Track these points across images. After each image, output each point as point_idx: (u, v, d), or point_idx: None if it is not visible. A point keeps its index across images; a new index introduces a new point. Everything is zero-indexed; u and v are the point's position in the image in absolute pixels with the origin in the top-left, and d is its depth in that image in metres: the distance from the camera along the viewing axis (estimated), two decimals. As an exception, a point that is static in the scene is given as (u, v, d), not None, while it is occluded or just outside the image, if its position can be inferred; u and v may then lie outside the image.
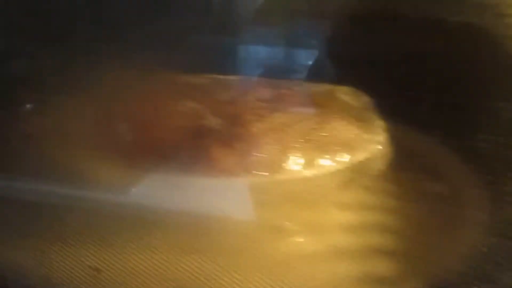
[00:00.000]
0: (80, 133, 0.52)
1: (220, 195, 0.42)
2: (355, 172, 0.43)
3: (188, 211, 0.42)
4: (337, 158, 0.43)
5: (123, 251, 0.44)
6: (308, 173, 0.42)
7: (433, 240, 0.40)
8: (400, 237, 0.41)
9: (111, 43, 0.51)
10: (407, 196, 0.41)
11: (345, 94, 0.49)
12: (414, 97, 0.42)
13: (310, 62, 0.54)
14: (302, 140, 0.43)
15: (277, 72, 0.54)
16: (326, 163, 0.42)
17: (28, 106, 0.54)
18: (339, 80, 0.51)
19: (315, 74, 0.53)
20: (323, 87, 0.51)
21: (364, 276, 0.40)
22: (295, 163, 0.42)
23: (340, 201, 0.42)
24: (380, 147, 0.44)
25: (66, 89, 0.52)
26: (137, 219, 0.44)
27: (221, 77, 0.53)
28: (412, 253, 0.40)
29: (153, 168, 0.44)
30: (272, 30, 0.54)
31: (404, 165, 0.44)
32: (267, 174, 0.42)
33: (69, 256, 0.46)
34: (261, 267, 0.41)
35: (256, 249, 0.42)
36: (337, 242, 0.42)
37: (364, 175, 0.43)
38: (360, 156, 0.43)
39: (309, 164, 0.42)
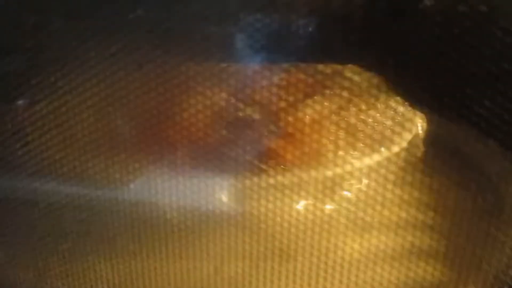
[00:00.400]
0: (85, 129, 0.50)
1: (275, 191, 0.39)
2: (395, 164, 0.40)
3: (243, 211, 0.40)
4: (381, 149, 0.40)
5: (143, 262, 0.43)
6: (354, 166, 0.40)
7: (483, 240, 0.37)
8: (446, 237, 0.38)
9: (110, 36, 0.50)
10: (448, 191, 0.38)
11: (354, 74, 0.48)
12: (439, 78, 0.39)
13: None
14: (342, 132, 0.40)
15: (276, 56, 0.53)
16: (370, 155, 0.40)
17: (22, 102, 0.52)
18: (340, 58, 0.50)
19: (315, 54, 0.52)
20: (328, 68, 0.50)
21: (410, 280, 0.38)
22: (343, 156, 0.40)
23: (379, 196, 0.38)
24: (416, 134, 0.42)
25: (62, 83, 0.51)
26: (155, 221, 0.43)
27: (226, 65, 0.52)
28: (461, 255, 0.37)
29: (192, 169, 0.41)
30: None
31: (440, 155, 0.40)
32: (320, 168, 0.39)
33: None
34: (309, 270, 0.39)
35: (300, 251, 0.40)
36: (379, 242, 0.39)
37: (402, 167, 0.40)
38: (399, 145, 0.40)
39: (355, 156, 0.40)
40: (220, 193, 0.41)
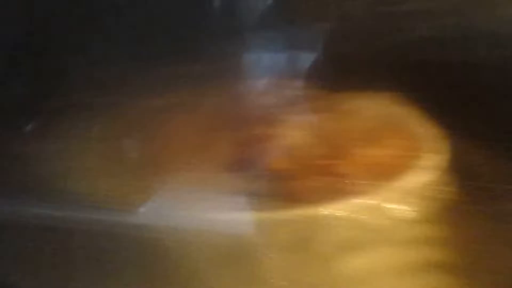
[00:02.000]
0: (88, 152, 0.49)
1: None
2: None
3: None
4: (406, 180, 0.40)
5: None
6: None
7: (500, 252, 0.37)
8: (461, 250, 0.38)
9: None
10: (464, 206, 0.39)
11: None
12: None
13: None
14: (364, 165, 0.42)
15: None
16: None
17: (27, 128, 0.51)
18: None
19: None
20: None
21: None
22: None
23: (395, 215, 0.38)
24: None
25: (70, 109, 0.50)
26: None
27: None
28: (477, 267, 0.37)
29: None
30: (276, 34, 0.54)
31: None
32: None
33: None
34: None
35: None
36: (396, 257, 0.39)
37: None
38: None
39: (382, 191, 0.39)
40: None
